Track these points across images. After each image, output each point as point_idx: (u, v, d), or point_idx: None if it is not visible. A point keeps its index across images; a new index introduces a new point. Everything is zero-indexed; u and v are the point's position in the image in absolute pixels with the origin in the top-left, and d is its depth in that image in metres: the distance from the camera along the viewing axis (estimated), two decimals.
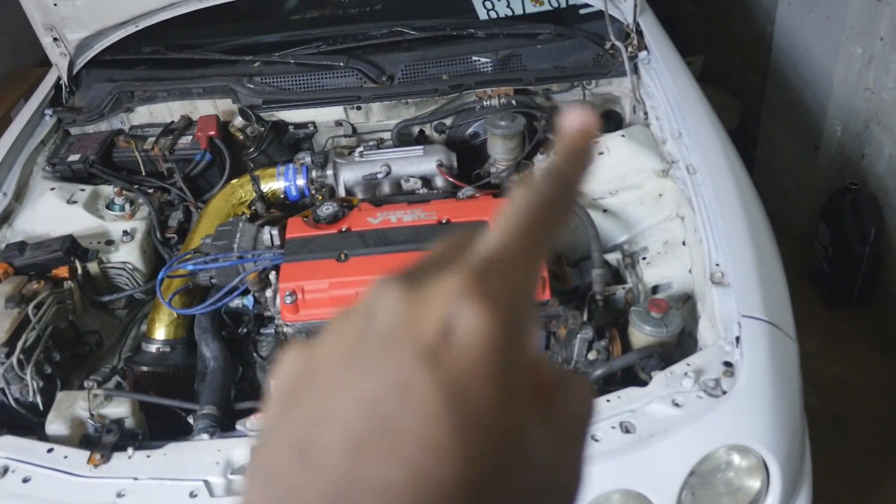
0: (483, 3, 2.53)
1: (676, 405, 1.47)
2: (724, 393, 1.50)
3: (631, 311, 1.73)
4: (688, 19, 4.69)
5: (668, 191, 1.99)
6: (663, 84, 2.24)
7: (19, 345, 1.75)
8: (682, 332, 1.72)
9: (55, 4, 2.30)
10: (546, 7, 2.55)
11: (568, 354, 1.71)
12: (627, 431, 1.45)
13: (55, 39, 2.42)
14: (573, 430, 0.34)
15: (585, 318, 1.75)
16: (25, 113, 2.48)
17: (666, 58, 2.34)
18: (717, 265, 1.72)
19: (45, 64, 2.58)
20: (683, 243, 1.91)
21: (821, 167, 3.23)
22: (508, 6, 2.53)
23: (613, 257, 1.98)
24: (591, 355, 1.69)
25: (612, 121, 2.43)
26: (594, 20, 2.46)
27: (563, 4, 2.54)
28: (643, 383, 1.57)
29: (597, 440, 1.44)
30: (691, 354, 1.60)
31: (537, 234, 0.35)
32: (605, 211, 2.03)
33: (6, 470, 1.53)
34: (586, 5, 2.46)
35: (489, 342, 0.30)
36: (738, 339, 1.57)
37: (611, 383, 1.68)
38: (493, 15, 2.53)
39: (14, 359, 1.73)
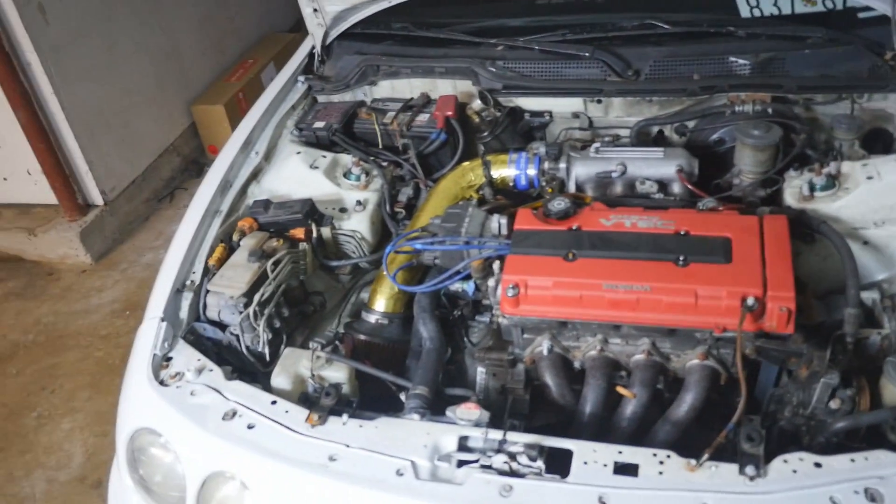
0: None
1: None
2: None
3: (886, 362, 1.54)
4: None
5: None
6: None
7: (256, 297, 1.87)
8: None
9: None
10: (819, 8, 2.30)
11: (806, 398, 1.55)
12: (873, 500, 1.29)
13: (315, 10, 2.55)
14: None
15: (828, 360, 1.57)
16: (281, 78, 2.65)
17: None
18: None
19: (295, 30, 2.74)
20: None
21: None
22: (775, 4, 2.32)
23: (869, 296, 1.76)
24: (834, 404, 1.52)
25: (881, 141, 2.17)
26: (875, 26, 2.19)
27: (840, 6, 2.29)
28: (892, 447, 1.38)
29: (835, 503, 1.29)
30: None
31: None
32: (865, 243, 1.81)
33: (234, 413, 1.65)
34: (867, 9, 2.20)
35: None
36: None
37: (853, 439, 1.50)
38: (756, 13, 2.33)
39: (251, 309, 1.85)
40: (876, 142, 2.19)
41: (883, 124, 2.19)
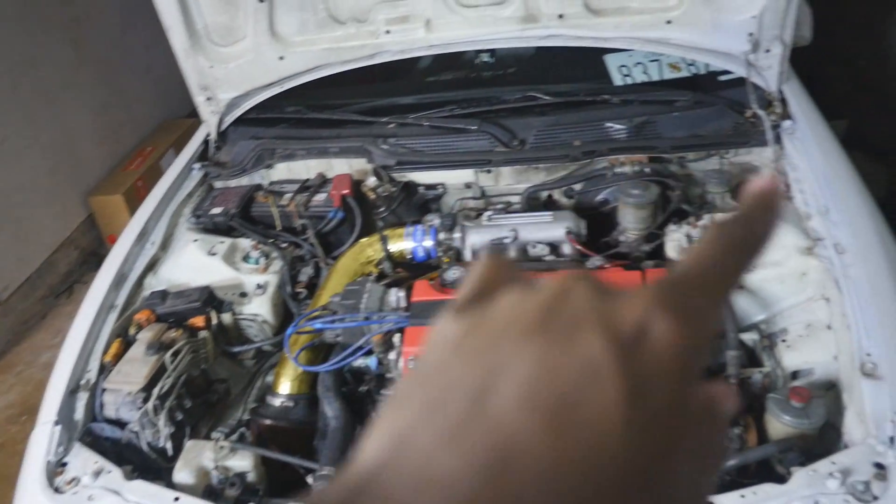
0: (619, 68, 2.51)
1: None
2: (876, 499, 1.37)
3: (769, 398, 1.62)
4: (830, 82, 4.49)
5: (812, 270, 1.87)
6: (809, 155, 2.13)
7: (155, 391, 1.83)
8: (824, 425, 1.59)
9: (211, 67, 2.46)
10: (684, 73, 2.49)
11: None
12: None
13: (208, 99, 2.58)
14: (716, 446, 0.37)
15: None
16: (176, 166, 2.65)
17: (813, 127, 2.23)
18: (869, 355, 1.60)
19: (193, 115, 2.75)
20: (829, 327, 1.78)
21: None
22: (645, 72, 2.50)
23: (750, 337, 1.86)
24: None
25: None
26: (734, 87, 2.38)
27: (702, 71, 2.48)
28: (781, 479, 1.45)
29: None
30: (836, 451, 1.47)
31: (727, 267, 0.38)
32: (741, 287, 1.93)
33: None
34: (726, 72, 2.39)
35: (677, 352, 0.33)
36: (892, 439, 1.44)
37: (744, 476, 1.57)
38: (628, 81, 2.50)
39: (150, 404, 1.80)
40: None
41: (751, 176, 2.36)
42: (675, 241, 2.03)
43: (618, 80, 2.50)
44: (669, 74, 2.49)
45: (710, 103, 2.37)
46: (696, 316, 0.35)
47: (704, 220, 2.03)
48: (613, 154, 2.29)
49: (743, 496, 1.41)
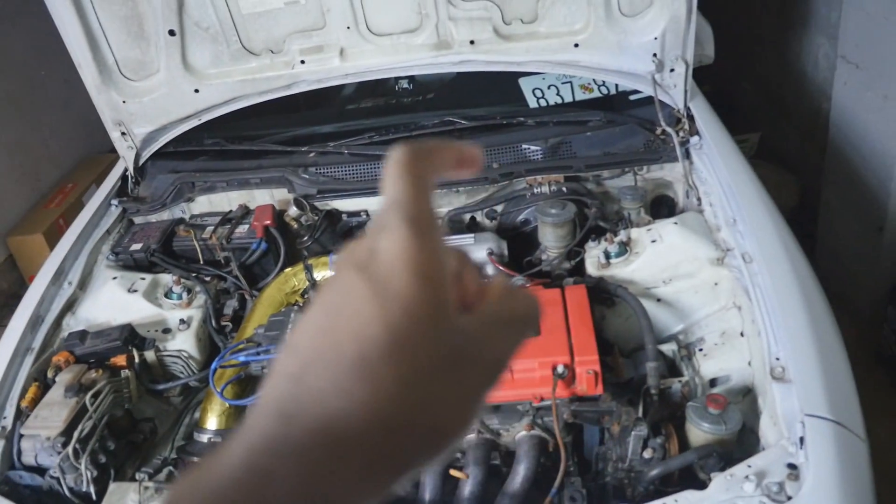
0: (532, 91, 2.58)
1: None
2: (790, 499, 1.42)
3: (688, 407, 1.67)
4: (743, 96, 4.68)
5: (723, 280, 1.95)
6: (716, 169, 2.22)
7: (76, 434, 1.78)
8: (742, 429, 1.65)
9: (124, 102, 2.43)
10: (595, 94, 2.57)
11: (622, 452, 1.66)
12: None
13: (123, 134, 2.55)
14: (502, 321, 0.48)
15: (640, 413, 1.70)
16: (93, 203, 2.59)
17: (718, 142, 2.33)
18: (778, 359, 1.66)
19: (115, 151, 2.71)
20: (742, 334, 1.85)
21: (887, 248, 3.12)
22: (558, 94, 2.57)
23: (669, 348, 1.93)
24: (647, 453, 1.63)
25: (664, 206, 2.41)
26: (644, 106, 2.47)
27: (613, 91, 2.57)
28: (702, 484, 1.50)
29: None
30: (753, 454, 1.53)
31: (420, 175, 0.48)
32: (658, 300, 2.00)
33: None
34: (636, 92, 2.48)
35: (398, 252, 0.44)
36: (802, 439, 1.50)
37: (668, 484, 1.61)
38: (542, 103, 2.57)
39: (70, 448, 1.75)
40: (661, 206, 2.43)
41: (664, 191, 2.44)
42: (594, 257, 2.08)
43: (532, 102, 2.56)
44: (581, 95, 2.57)
45: (622, 122, 2.45)
46: (409, 218, 0.45)
47: (621, 235, 2.09)
48: (531, 175, 2.34)
49: None
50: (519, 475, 1.67)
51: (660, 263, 2.01)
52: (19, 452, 1.82)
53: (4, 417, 1.88)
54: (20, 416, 1.88)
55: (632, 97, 2.53)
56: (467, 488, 1.67)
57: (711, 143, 2.31)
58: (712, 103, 2.52)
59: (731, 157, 2.28)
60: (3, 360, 2.00)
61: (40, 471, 1.81)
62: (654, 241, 2.04)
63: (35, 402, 1.89)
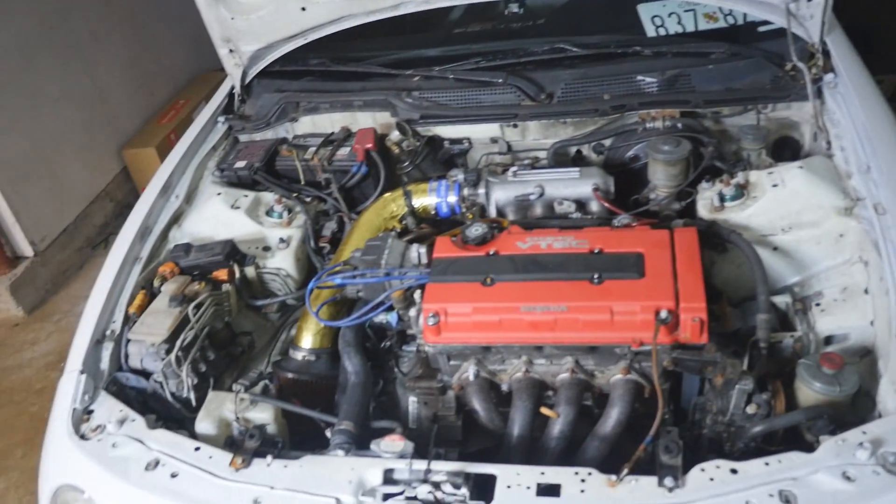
0: (652, 18, 2.42)
1: (848, 479, 1.31)
2: None
3: (799, 364, 1.57)
4: (882, 33, 4.29)
5: (850, 231, 1.80)
6: (851, 111, 2.04)
7: (178, 342, 1.84)
8: (857, 393, 1.54)
9: (232, 18, 2.43)
10: (721, 24, 2.39)
11: (724, 405, 1.58)
12: (787, 502, 1.31)
13: (231, 51, 2.56)
14: None
15: (746, 366, 1.61)
16: (200, 120, 2.64)
17: (856, 81, 2.13)
18: None
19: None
20: (866, 291, 1.72)
21: None
22: (679, 23, 2.40)
23: (782, 300, 1.81)
24: (750, 409, 1.55)
25: (788, 149, 2.25)
26: (774, 39, 2.28)
27: (741, 21, 2.37)
28: (809, 447, 1.41)
29: None
30: (869, 421, 1.43)
31: None
32: (775, 249, 1.87)
33: (157, 463, 1.61)
34: (765, 23, 2.29)
35: None
36: None
37: (770, 443, 1.54)
38: (661, 32, 2.41)
39: (173, 355, 1.82)
40: (784, 149, 2.27)
41: (789, 132, 2.27)
42: (707, 199, 1.96)
43: (651, 31, 2.40)
44: (705, 25, 2.39)
45: (748, 55, 2.27)
46: None
47: (738, 177, 1.95)
48: (644, 108, 2.21)
49: (767, 463, 1.38)
50: (611, 418, 1.63)
51: (779, 210, 1.88)
52: (126, 356, 1.90)
53: (114, 322, 1.96)
54: (128, 321, 1.96)
55: (760, 28, 2.33)
56: (556, 427, 1.64)
57: (848, 81, 2.12)
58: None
59: (869, 98, 2.08)
60: (114, 268, 2.08)
61: (145, 374, 1.89)
62: (774, 186, 1.90)
63: (142, 309, 1.96)
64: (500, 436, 1.70)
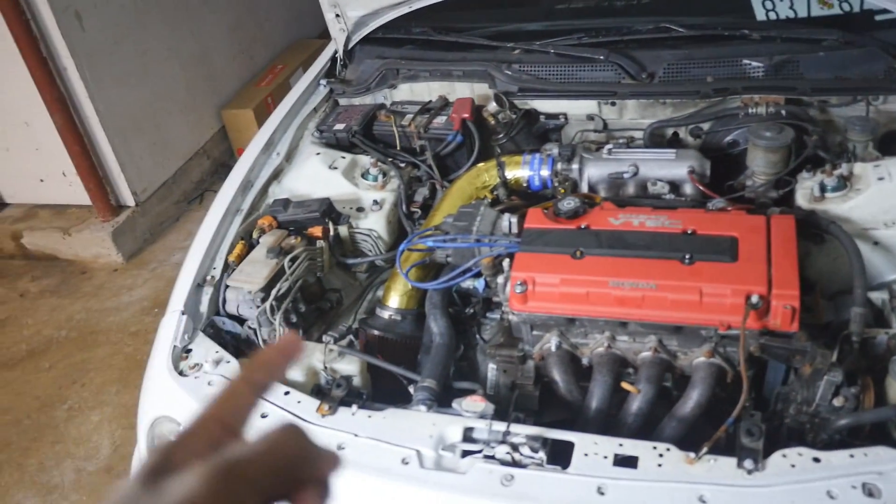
0: (763, 2, 2.35)
1: None
2: None
3: (892, 361, 1.54)
4: None
5: None
6: None
7: (273, 292, 1.92)
8: None
9: None
10: (835, 10, 2.31)
11: (809, 396, 1.56)
12: (871, 495, 1.30)
13: (337, 16, 2.62)
14: None
15: (835, 358, 1.58)
16: (304, 81, 2.71)
17: None
18: None
19: (323, 37, 2.80)
20: None
21: None
22: (791, 7, 2.33)
23: (878, 296, 1.76)
24: (837, 401, 1.53)
25: None
26: (891, 28, 2.20)
27: (857, 9, 2.29)
28: (895, 443, 1.39)
29: (832, 497, 1.30)
30: None
31: (227, 407, 0.56)
32: (876, 243, 1.82)
33: None
34: (885, 11, 2.20)
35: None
36: None
37: (856, 437, 1.51)
38: (772, 16, 2.34)
39: (268, 304, 1.90)
40: (893, 144, 2.18)
41: None
42: (807, 188, 1.92)
43: (760, 14, 2.34)
44: (819, 11, 2.31)
45: (861, 44, 2.19)
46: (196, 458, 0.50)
47: (842, 168, 1.90)
48: (748, 93, 2.17)
49: (852, 455, 1.36)
50: (691, 400, 1.62)
51: (884, 204, 1.82)
52: (224, 301, 2.00)
53: (214, 268, 2.06)
54: (227, 269, 2.05)
55: (878, 17, 2.25)
56: (635, 404, 1.65)
57: None
58: None
59: None
60: (216, 218, 2.18)
61: (240, 320, 1.98)
62: (880, 179, 1.85)
63: (240, 258, 2.06)
64: (576, 409, 1.72)
